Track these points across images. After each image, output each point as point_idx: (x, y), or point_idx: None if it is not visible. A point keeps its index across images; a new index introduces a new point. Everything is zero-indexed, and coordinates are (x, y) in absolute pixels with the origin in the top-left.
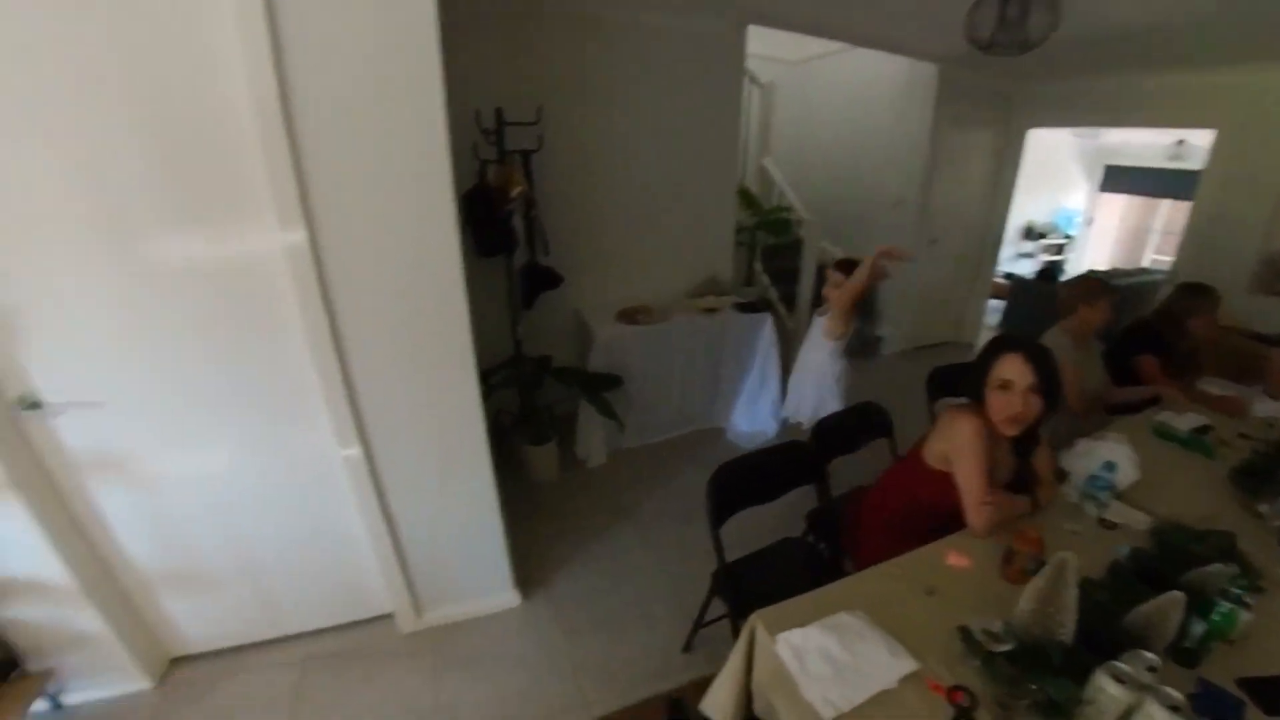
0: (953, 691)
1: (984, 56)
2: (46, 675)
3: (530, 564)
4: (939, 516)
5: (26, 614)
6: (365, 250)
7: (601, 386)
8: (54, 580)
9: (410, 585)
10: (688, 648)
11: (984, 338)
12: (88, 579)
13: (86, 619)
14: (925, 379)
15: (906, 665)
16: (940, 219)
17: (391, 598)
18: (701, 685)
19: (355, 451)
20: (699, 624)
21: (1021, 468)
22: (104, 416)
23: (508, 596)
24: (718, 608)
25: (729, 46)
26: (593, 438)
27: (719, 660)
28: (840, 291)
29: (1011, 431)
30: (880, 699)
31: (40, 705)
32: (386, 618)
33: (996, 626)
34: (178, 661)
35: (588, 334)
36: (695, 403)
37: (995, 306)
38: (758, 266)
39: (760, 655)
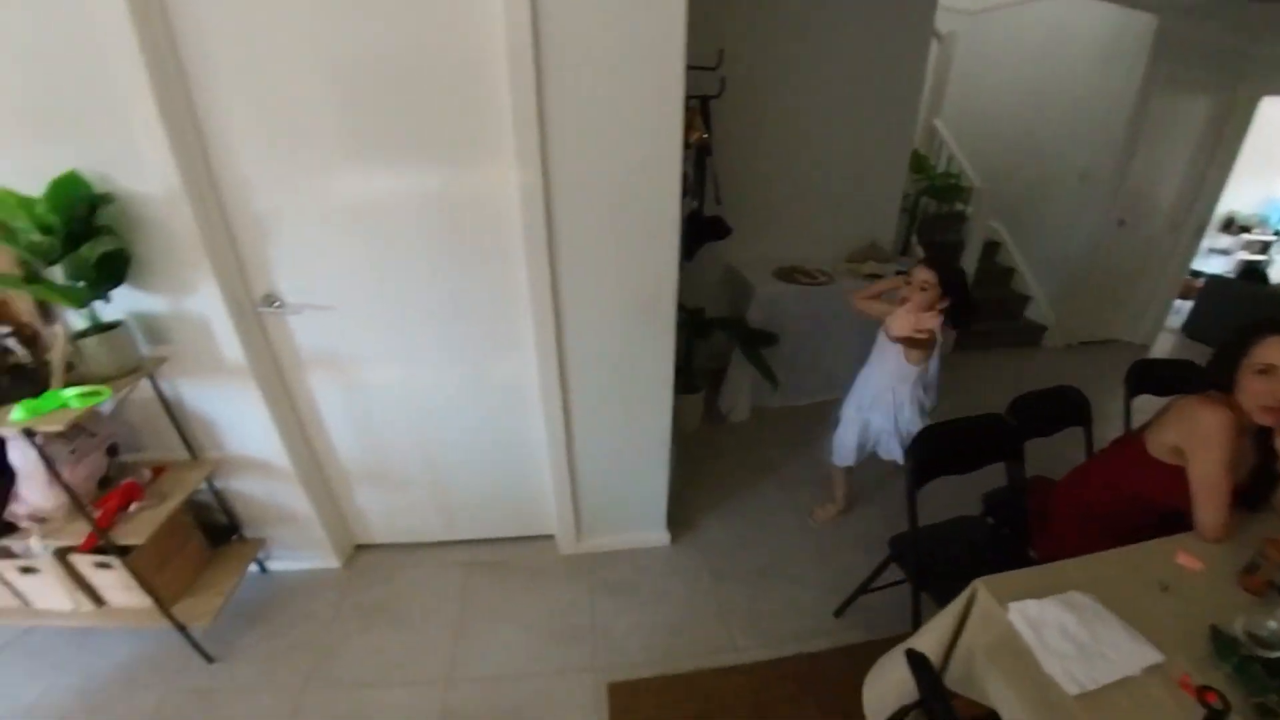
0: (1205, 691)
1: (1241, 2)
2: (259, 543)
3: (677, 507)
4: (1155, 513)
5: (250, 488)
6: (591, 191)
7: (760, 342)
8: (275, 461)
9: (576, 510)
10: (840, 613)
11: (1163, 341)
12: (301, 464)
13: (296, 499)
14: (1125, 373)
15: (1151, 655)
16: (1133, 198)
17: (557, 520)
18: (853, 651)
19: (553, 378)
20: (863, 589)
21: (1264, 467)
22: (333, 320)
23: (659, 534)
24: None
25: None
26: (739, 393)
27: (872, 629)
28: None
29: (1268, 421)
30: (1124, 685)
31: (252, 567)
32: (547, 538)
33: (1265, 629)
34: (361, 548)
35: (744, 289)
36: (844, 370)
37: (1179, 307)
38: (913, 238)
39: (979, 622)
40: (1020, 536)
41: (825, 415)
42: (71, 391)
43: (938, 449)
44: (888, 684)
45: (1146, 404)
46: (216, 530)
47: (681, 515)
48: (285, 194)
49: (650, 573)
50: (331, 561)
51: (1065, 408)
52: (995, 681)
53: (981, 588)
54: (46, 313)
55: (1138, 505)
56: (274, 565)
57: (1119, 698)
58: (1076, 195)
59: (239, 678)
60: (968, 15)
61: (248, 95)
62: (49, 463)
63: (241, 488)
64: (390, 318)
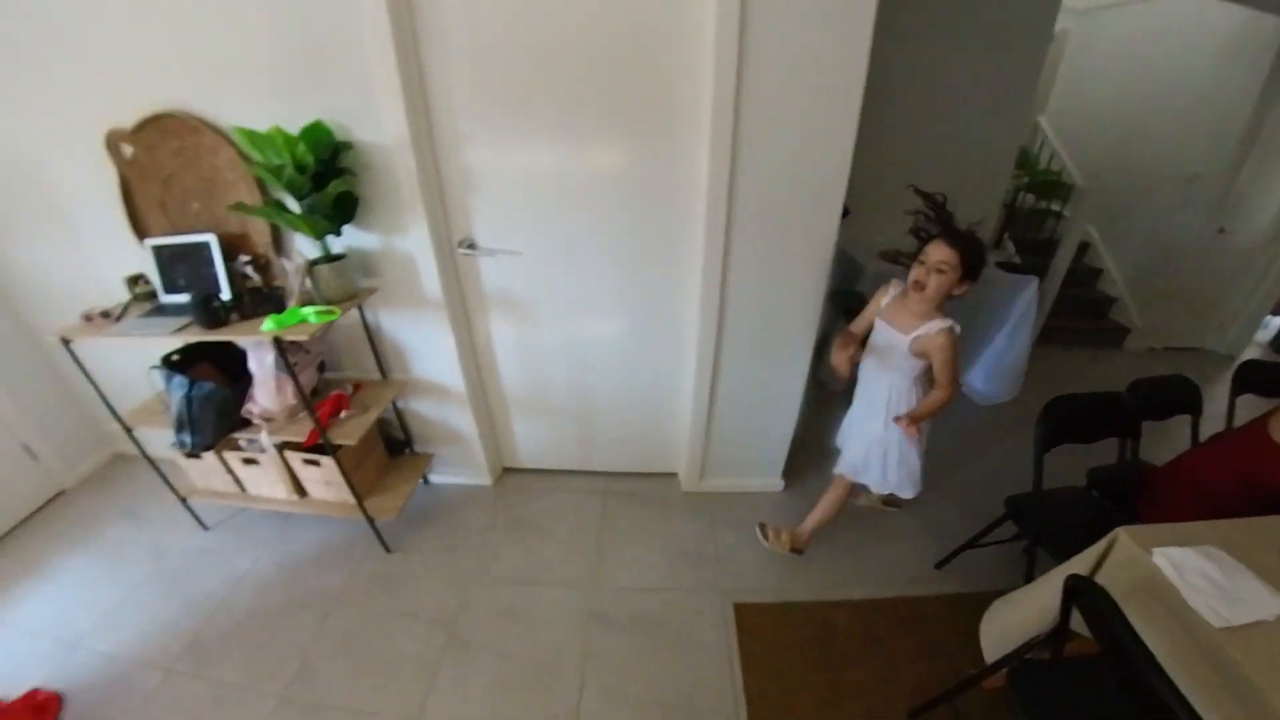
0: None
1: None
2: (428, 458)
3: (788, 459)
4: (1269, 498)
5: (425, 409)
6: (771, 173)
7: None
8: (452, 387)
9: (705, 451)
10: (941, 565)
11: (1249, 354)
12: (472, 391)
13: (463, 422)
14: (1234, 372)
15: None
16: (1237, 206)
17: (685, 459)
18: (955, 600)
19: (710, 333)
20: (971, 543)
21: None
22: (517, 264)
23: (775, 481)
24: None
25: None
26: None
27: (969, 583)
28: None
29: None
30: (1260, 627)
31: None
32: (670, 475)
33: None
34: (508, 471)
35: (851, 268)
36: None
37: (1269, 322)
38: (1005, 234)
39: (1118, 566)
40: (1126, 511)
41: None
42: (309, 309)
43: (1069, 417)
44: (1009, 622)
45: (1250, 404)
46: (393, 443)
47: (790, 467)
48: (490, 151)
49: (765, 514)
50: (484, 480)
51: (1180, 395)
52: (1131, 619)
53: (1123, 534)
54: (278, 245)
55: (1252, 490)
56: (435, 478)
57: (1257, 635)
58: (1178, 199)
59: (413, 568)
60: (1078, 13)
61: (468, 63)
62: (289, 368)
63: (419, 408)
64: (568, 266)
